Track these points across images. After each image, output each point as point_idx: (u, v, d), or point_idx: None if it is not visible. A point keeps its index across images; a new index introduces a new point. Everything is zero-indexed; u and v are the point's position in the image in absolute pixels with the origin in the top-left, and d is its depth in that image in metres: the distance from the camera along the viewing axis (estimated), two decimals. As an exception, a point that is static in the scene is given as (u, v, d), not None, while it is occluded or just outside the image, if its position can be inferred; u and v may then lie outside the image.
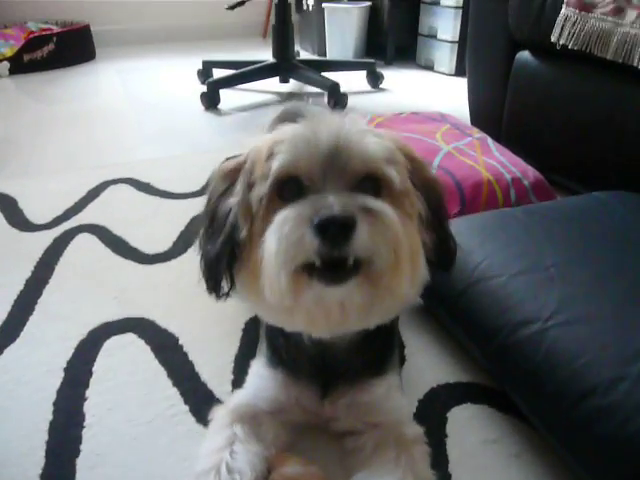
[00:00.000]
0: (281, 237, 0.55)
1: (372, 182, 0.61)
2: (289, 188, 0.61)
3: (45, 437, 0.81)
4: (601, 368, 0.72)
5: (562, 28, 1.34)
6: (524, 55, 1.58)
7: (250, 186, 0.63)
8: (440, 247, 0.69)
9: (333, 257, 0.55)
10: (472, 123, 1.85)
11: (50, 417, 0.85)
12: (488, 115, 1.81)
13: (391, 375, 0.78)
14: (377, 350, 0.77)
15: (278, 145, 0.61)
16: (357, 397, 0.75)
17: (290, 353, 0.76)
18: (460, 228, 0.98)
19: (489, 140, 1.57)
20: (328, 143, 0.59)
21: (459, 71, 3.07)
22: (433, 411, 0.86)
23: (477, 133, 1.62)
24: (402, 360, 0.95)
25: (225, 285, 0.68)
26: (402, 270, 0.58)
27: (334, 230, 0.53)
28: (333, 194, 0.56)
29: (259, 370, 0.80)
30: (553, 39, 1.36)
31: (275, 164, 0.60)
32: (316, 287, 0.57)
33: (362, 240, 0.54)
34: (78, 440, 0.81)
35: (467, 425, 0.84)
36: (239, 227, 0.63)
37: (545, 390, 0.75)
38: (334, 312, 0.60)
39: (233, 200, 0.65)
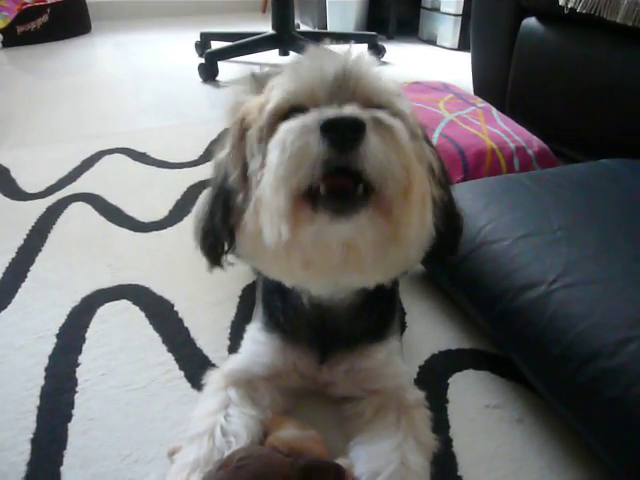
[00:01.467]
0: (284, 146, 0.50)
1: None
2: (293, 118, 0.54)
3: (37, 402, 0.80)
4: (607, 330, 0.70)
5: (570, -9, 1.30)
6: (530, 22, 1.54)
7: (244, 131, 0.60)
8: (446, 212, 0.65)
9: (340, 166, 0.49)
10: (475, 94, 1.81)
11: (42, 382, 0.83)
12: (492, 85, 1.78)
13: (391, 340, 0.76)
14: (378, 315, 0.75)
15: (278, 76, 0.57)
16: (356, 363, 0.73)
17: (288, 317, 0.73)
18: (464, 192, 0.96)
19: (493, 109, 1.54)
20: (335, 67, 0.55)
21: (462, 45, 3.02)
22: (434, 377, 0.84)
23: (480, 102, 1.59)
24: (403, 327, 0.93)
25: (223, 246, 0.65)
26: (413, 199, 0.53)
27: (342, 131, 0.48)
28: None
29: (255, 335, 0.77)
30: (561, 2, 1.32)
31: (275, 92, 0.56)
32: (320, 220, 0.51)
33: (372, 150, 0.49)
34: (70, 405, 0.79)
35: (469, 391, 0.82)
36: (230, 174, 0.60)
37: (550, 354, 0.73)
38: (335, 254, 0.54)
39: (222, 153, 0.62)
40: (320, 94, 0.54)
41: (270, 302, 0.75)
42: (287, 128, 0.52)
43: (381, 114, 0.52)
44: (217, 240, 0.65)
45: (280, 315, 0.73)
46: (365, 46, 2.83)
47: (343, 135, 0.48)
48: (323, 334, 0.72)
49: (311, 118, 0.51)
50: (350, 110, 0.50)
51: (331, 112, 0.50)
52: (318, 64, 0.55)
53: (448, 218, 0.65)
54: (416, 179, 0.53)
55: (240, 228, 0.59)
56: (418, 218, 0.55)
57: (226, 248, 0.65)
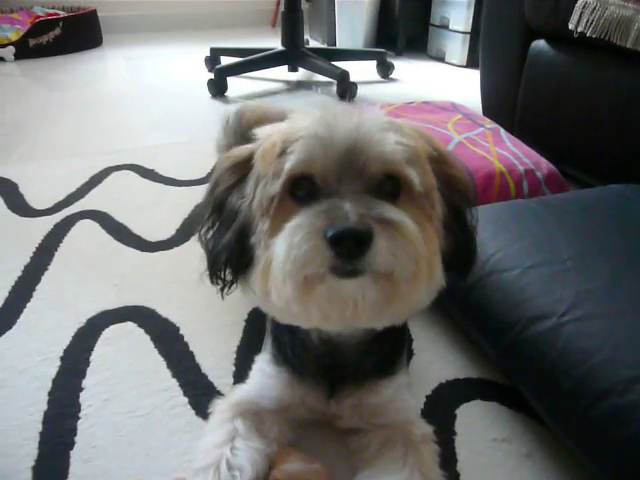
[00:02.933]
0: (291, 247, 0.52)
1: (391, 183, 0.57)
2: (302, 187, 0.57)
3: (39, 428, 0.79)
4: (619, 366, 0.68)
5: (580, 15, 1.29)
6: (539, 44, 1.54)
7: (260, 184, 0.60)
8: (459, 251, 0.65)
9: (346, 271, 0.52)
10: (484, 114, 1.80)
11: (45, 407, 0.83)
12: (501, 106, 1.77)
13: (400, 375, 0.75)
14: (388, 350, 0.74)
15: (291, 142, 0.57)
16: (364, 398, 0.72)
17: (296, 351, 0.72)
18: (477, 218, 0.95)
19: (502, 131, 1.53)
20: (345, 142, 0.55)
21: (471, 63, 3.02)
22: (441, 408, 0.83)
23: (489, 124, 1.58)
24: (410, 354, 0.92)
25: (226, 279, 0.66)
26: (420, 281, 0.55)
27: (349, 244, 0.50)
28: (349, 200, 0.52)
29: (263, 367, 0.76)
30: (571, 26, 1.32)
31: (288, 164, 0.56)
32: (329, 280, 0.53)
33: (379, 255, 0.51)
34: (73, 432, 0.79)
35: (476, 423, 0.81)
36: (250, 229, 0.60)
37: (560, 388, 0.71)
38: (349, 306, 0.55)
39: (245, 201, 0.61)
40: (330, 170, 0.55)
41: (279, 336, 0.74)
42: (294, 226, 0.53)
43: (389, 212, 0.53)
44: (220, 275, 0.66)
45: (288, 349, 0.73)
46: (374, 63, 2.84)
47: (350, 249, 0.50)
48: (332, 369, 0.71)
49: (319, 219, 0.52)
50: (357, 216, 0.51)
51: (339, 223, 0.50)
52: (329, 139, 0.56)
53: (460, 251, 0.65)
54: (423, 269, 0.55)
55: (253, 277, 0.60)
56: (426, 287, 0.57)
57: (229, 284, 0.66)
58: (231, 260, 0.63)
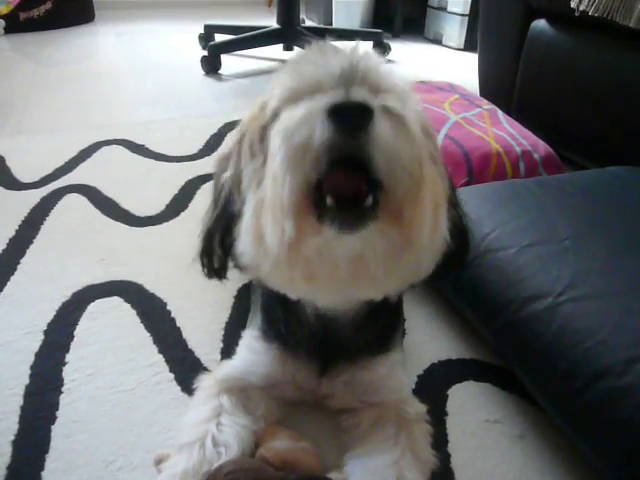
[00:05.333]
0: (288, 133, 0.46)
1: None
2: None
3: (20, 402, 0.77)
4: (616, 348, 0.67)
5: (583, -7, 1.27)
6: (540, 24, 1.51)
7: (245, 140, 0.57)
8: (454, 225, 0.61)
9: (348, 154, 0.45)
10: (481, 95, 1.78)
11: (27, 381, 0.80)
12: (499, 88, 1.75)
13: (395, 352, 0.73)
14: (383, 326, 0.72)
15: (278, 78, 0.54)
16: (358, 375, 0.70)
17: (290, 327, 0.70)
18: (468, 197, 0.93)
19: (499, 112, 1.51)
20: (341, 65, 0.50)
21: (468, 46, 2.98)
22: (433, 388, 0.82)
23: (486, 104, 1.55)
24: (402, 333, 0.90)
25: (218, 261, 0.63)
26: (426, 198, 0.49)
27: (349, 115, 0.45)
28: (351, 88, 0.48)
29: (252, 343, 0.73)
30: (573, 5, 1.29)
31: (277, 91, 0.52)
32: (326, 233, 0.48)
33: (381, 135, 0.45)
34: (55, 406, 0.77)
35: (469, 404, 0.79)
36: (233, 198, 0.57)
37: (555, 370, 0.70)
38: (343, 268, 0.50)
39: (227, 173, 0.59)
40: (326, 87, 0.50)
41: (271, 311, 0.71)
42: (290, 114, 0.48)
43: (392, 103, 0.48)
44: (211, 256, 0.63)
45: (281, 326, 0.70)
46: (370, 44, 2.80)
47: (350, 119, 0.45)
48: (325, 345, 0.69)
49: (316, 103, 0.47)
50: (358, 94, 0.46)
51: (338, 95, 0.46)
52: (322, 60, 0.52)
53: (455, 231, 0.62)
54: (428, 174, 0.50)
55: (240, 236, 0.55)
56: (431, 219, 0.51)
57: (222, 264, 0.63)
58: (216, 236, 0.61)
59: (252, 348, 0.73)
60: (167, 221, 1.23)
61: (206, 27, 2.79)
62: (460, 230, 0.64)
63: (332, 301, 0.62)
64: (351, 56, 0.52)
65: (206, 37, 2.77)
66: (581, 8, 1.28)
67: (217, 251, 0.62)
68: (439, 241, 0.55)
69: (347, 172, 0.47)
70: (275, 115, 0.52)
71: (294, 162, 0.46)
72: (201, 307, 0.96)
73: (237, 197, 0.57)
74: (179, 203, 1.30)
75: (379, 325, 0.70)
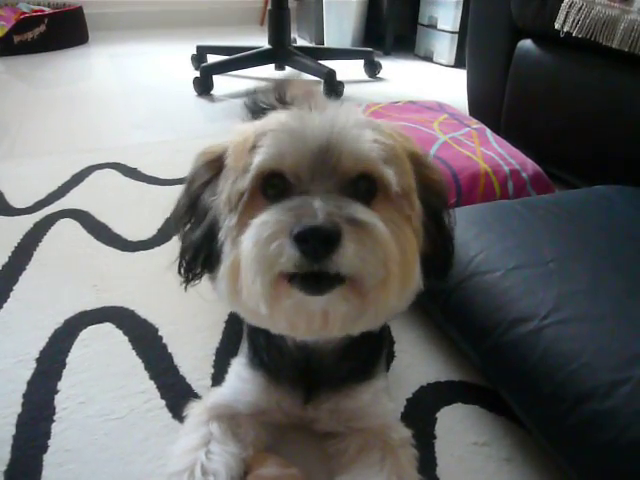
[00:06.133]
0: (258, 244, 0.50)
1: (367, 182, 0.56)
2: (273, 184, 0.55)
3: (12, 431, 0.77)
4: (600, 370, 0.68)
5: (567, 15, 1.29)
6: (526, 44, 1.53)
7: (230, 179, 0.58)
8: (437, 253, 0.64)
9: (313, 271, 0.50)
10: (470, 114, 1.80)
11: (19, 410, 0.81)
12: (487, 106, 1.77)
13: (378, 379, 0.74)
14: (365, 353, 0.73)
15: (262, 136, 0.55)
16: (342, 403, 0.71)
17: (272, 356, 0.71)
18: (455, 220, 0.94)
19: (487, 131, 1.52)
20: (318, 138, 0.53)
21: (459, 62, 3.01)
22: (422, 411, 0.82)
23: (475, 124, 1.57)
24: (391, 356, 0.91)
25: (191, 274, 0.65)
26: (391, 286, 0.53)
27: (315, 243, 0.48)
28: (319, 198, 0.50)
29: (239, 371, 0.75)
30: (557, 26, 1.31)
31: (257, 158, 0.54)
32: (296, 296, 0.52)
33: (347, 257, 0.49)
34: (47, 435, 0.77)
35: (457, 426, 0.80)
36: (220, 226, 0.59)
37: (541, 392, 0.71)
38: (316, 319, 0.54)
39: (217, 198, 0.60)
40: (301, 167, 0.54)
41: (254, 339, 0.73)
42: (261, 223, 0.51)
43: (359, 212, 0.51)
44: (191, 271, 0.65)
45: (264, 353, 0.71)
46: (361, 62, 2.83)
47: (316, 248, 0.48)
48: (308, 374, 0.70)
49: (286, 216, 0.50)
50: (325, 214, 0.49)
51: (306, 220, 0.48)
52: (302, 133, 0.54)
53: (437, 254, 0.64)
54: (394, 273, 0.53)
55: (222, 275, 0.58)
56: (399, 293, 0.55)
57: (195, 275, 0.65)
58: (198, 257, 0.62)
59: (239, 376, 0.74)
60: (159, 245, 1.24)
61: (198, 48, 2.82)
62: (443, 241, 0.66)
63: (311, 339, 0.64)
64: (329, 132, 0.54)
65: (198, 58, 2.80)
66: (565, 29, 1.30)
67: (196, 267, 0.64)
68: (412, 291, 0.59)
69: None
70: (253, 180, 0.55)
71: (263, 270, 0.50)
72: (192, 332, 0.97)
73: (223, 224, 0.59)
74: (171, 227, 1.30)
75: (361, 353, 0.71)
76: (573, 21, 1.28)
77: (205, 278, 0.66)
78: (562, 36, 1.33)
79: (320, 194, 0.52)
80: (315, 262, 0.49)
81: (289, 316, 0.55)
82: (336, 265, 0.49)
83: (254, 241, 0.50)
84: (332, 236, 0.48)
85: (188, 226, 0.65)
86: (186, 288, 0.67)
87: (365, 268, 0.50)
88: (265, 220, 0.51)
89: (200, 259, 0.62)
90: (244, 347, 0.76)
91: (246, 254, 0.51)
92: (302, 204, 0.51)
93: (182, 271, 0.65)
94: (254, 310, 0.55)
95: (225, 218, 0.57)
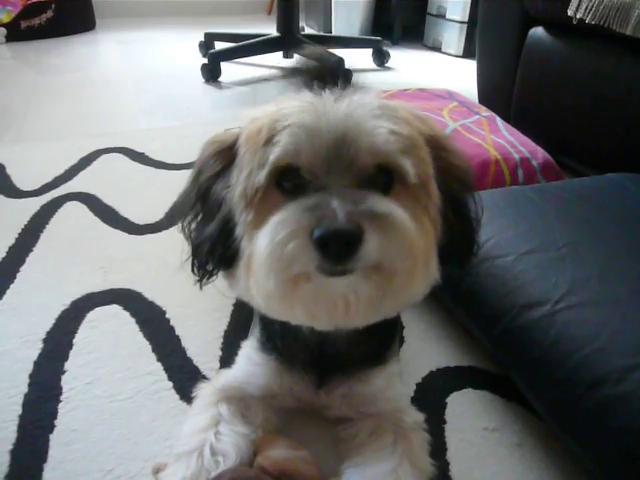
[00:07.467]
0: (274, 243, 0.48)
1: (384, 174, 0.54)
2: (289, 179, 0.53)
3: (19, 410, 0.77)
4: (614, 355, 0.67)
5: (580, 1, 1.27)
6: (537, 31, 1.52)
7: (244, 172, 0.56)
8: (456, 241, 0.62)
9: (335, 271, 0.49)
10: (480, 103, 1.78)
11: (25, 390, 0.80)
12: (497, 94, 1.75)
13: (391, 364, 0.73)
14: (379, 339, 0.72)
15: (278, 131, 0.53)
16: (355, 388, 0.70)
17: (286, 341, 0.70)
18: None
19: (497, 119, 1.51)
20: (334, 132, 0.52)
21: (467, 53, 2.99)
22: (432, 396, 0.82)
23: (485, 111, 1.56)
24: (401, 341, 0.90)
25: (207, 271, 0.64)
26: (416, 274, 0.52)
27: (338, 247, 0.46)
28: (337, 196, 0.49)
29: (251, 354, 0.74)
30: (570, 13, 1.29)
31: (273, 155, 0.52)
32: (316, 279, 0.50)
33: (370, 253, 0.48)
34: (53, 415, 0.77)
35: (467, 412, 0.79)
36: (235, 219, 0.57)
37: (553, 377, 0.70)
38: (339, 306, 0.52)
39: (230, 190, 0.58)
40: (317, 162, 0.52)
41: (268, 324, 0.72)
42: (278, 223, 0.50)
43: (378, 205, 0.50)
44: (204, 265, 0.63)
45: (278, 339, 0.70)
46: (370, 51, 2.81)
47: (339, 252, 0.47)
48: (321, 359, 0.69)
49: (305, 217, 0.48)
50: (346, 215, 0.47)
51: (326, 223, 0.47)
52: (317, 128, 0.52)
53: (458, 233, 0.62)
54: (419, 262, 0.52)
55: (237, 269, 0.57)
56: (423, 280, 0.55)
57: (210, 273, 0.64)
58: (214, 252, 0.60)
59: (251, 359, 0.73)
60: (166, 229, 1.23)
61: (206, 35, 2.81)
62: (465, 236, 0.65)
63: (330, 328, 0.61)
64: (344, 125, 0.52)
65: (206, 45, 2.79)
66: (578, 16, 1.28)
67: (211, 263, 0.62)
68: (430, 280, 0.57)
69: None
70: (269, 175, 0.53)
71: (276, 270, 0.49)
72: (200, 315, 0.96)
73: (239, 218, 0.57)
74: (172, 216, 1.29)
75: (375, 339, 0.70)
76: (586, 8, 1.26)
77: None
78: (575, 23, 1.31)
79: (337, 189, 0.50)
80: (338, 264, 0.48)
81: (308, 306, 0.53)
82: (359, 263, 0.48)
83: (270, 239, 0.49)
84: (354, 238, 0.47)
85: (198, 218, 0.63)
86: (201, 287, 0.65)
87: (390, 259, 0.49)
88: (283, 219, 0.49)
89: (217, 255, 0.60)
90: (255, 331, 0.75)
91: (262, 251, 0.50)
92: (320, 203, 0.49)
93: (195, 269, 0.64)
94: (266, 305, 0.55)
95: (241, 213, 0.55)
